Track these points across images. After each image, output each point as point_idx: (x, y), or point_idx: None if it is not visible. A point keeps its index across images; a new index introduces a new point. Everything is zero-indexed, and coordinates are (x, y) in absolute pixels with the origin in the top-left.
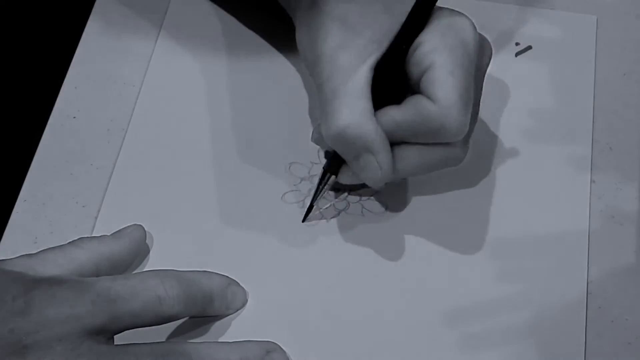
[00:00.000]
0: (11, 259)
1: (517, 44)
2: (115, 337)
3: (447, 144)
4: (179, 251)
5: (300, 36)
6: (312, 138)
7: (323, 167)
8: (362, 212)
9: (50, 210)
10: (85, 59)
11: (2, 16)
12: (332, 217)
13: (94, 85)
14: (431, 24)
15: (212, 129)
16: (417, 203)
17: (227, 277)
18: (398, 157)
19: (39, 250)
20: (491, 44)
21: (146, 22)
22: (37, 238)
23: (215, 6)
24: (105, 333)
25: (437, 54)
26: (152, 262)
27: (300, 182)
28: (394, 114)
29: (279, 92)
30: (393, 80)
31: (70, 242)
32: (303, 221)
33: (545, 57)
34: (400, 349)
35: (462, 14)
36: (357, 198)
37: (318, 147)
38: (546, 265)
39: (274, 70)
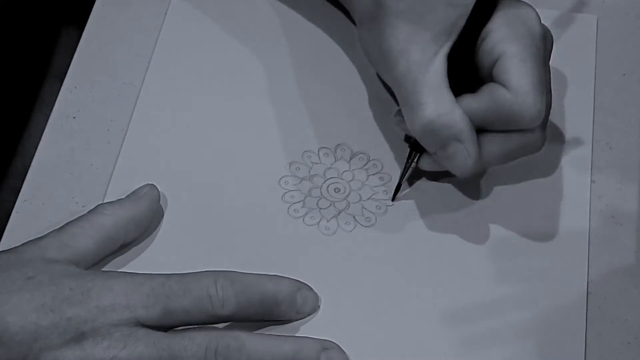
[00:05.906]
0: (41, 237)
1: None
2: None
3: (525, 130)
4: (178, 251)
5: (363, 33)
6: (396, 123)
7: (409, 147)
8: (362, 212)
9: (50, 210)
10: (85, 59)
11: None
12: (332, 217)
13: (94, 85)
14: (497, 13)
15: (211, 128)
16: (417, 203)
17: (298, 281)
18: (480, 145)
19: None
20: None
21: (146, 22)
22: None
23: (215, 6)
24: (158, 328)
25: (506, 43)
26: (153, 262)
27: (300, 182)
28: (470, 102)
29: (279, 92)
30: (465, 69)
31: (90, 210)
32: (392, 200)
33: None
34: (401, 348)
35: (526, 3)
36: (358, 198)
37: (318, 147)
38: (546, 265)
39: (274, 69)
